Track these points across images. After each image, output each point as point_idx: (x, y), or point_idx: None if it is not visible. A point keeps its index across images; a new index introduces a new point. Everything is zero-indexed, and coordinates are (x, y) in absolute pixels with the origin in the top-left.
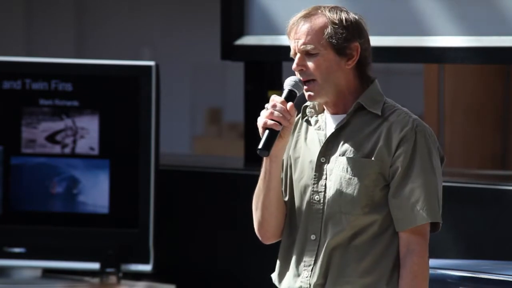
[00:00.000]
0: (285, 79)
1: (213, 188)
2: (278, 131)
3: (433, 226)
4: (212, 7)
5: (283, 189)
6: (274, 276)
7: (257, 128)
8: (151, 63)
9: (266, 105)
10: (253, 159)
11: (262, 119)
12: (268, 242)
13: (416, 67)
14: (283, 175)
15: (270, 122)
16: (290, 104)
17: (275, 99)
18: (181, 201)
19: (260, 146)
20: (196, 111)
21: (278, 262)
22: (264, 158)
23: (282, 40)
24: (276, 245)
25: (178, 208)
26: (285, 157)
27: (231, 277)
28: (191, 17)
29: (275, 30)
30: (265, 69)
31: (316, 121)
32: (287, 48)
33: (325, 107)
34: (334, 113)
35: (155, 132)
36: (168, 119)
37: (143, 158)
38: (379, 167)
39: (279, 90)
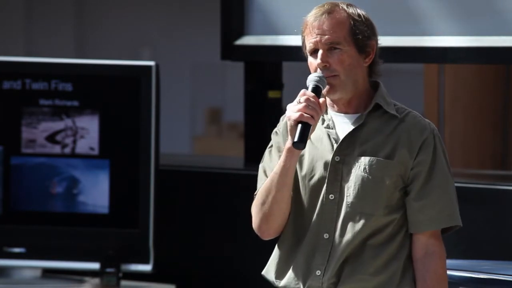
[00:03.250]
0: (285, 78)
1: (213, 188)
2: (310, 125)
3: (445, 228)
4: (212, 7)
5: None
6: (271, 273)
7: (257, 128)
8: (151, 63)
9: (298, 99)
10: (253, 159)
11: (296, 112)
12: (267, 238)
13: (416, 67)
14: None
15: (306, 115)
16: (322, 99)
17: (308, 94)
18: (181, 201)
19: (296, 139)
20: (196, 111)
21: (277, 259)
22: (286, 154)
23: (282, 40)
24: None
25: (178, 208)
26: None
27: (231, 277)
28: (191, 17)
29: (275, 30)
30: (265, 69)
31: (323, 120)
32: (287, 48)
33: (332, 106)
34: (345, 112)
35: (155, 132)
36: (168, 119)
37: (143, 158)
38: (399, 169)
39: (279, 90)
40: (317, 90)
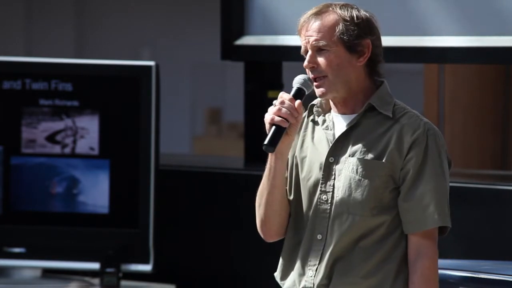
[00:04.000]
0: (285, 78)
1: (213, 188)
2: (284, 128)
3: (441, 229)
4: (212, 7)
5: (287, 188)
6: (277, 274)
7: (256, 128)
8: (151, 63)
9: (274, 102)
10: (253, 159)
11: (270, 115)
12: (270, 240)
13: (416, 67)
14: (288, 174)
15: (277, 118)
16: (298, 101)
17: (283, 96)
18: (181, 201)
19: (265, 142)
20: (196, 111)
21: (281, 261)
22: (269, 155)
23: (282, 40)
24: (277, 244)
25: (178, 208)
26: (290, 156)
27: (231, 277)
28: (191, 17)
29: (275, 30)
30: (265, 69)
31: (324, 121)
32: (287, 48)
33: (333, 107)
34: (343, 112)
35: (155, 132)
36: (168, 119)
37: (143, 158)
38: (389, 169)
39: (279, 90)
40: (299, 93)
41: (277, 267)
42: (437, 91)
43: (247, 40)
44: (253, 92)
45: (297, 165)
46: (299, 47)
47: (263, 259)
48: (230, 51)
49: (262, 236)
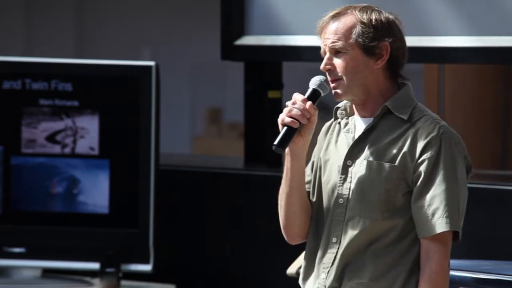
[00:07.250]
0: (285, 78)
1: (213, 188)
2: (296, 129)
3: (454, 234)
4: (212, 7)
5: (311, 190)
6: (300, 276)
7: (256, 128)
8: (151, 63)
9: (287, 102)
10: (253, 159)
11: (281, 116)
12: (293, 242)
13: (416, 67)
14: (312, 176)
15: (287, 119)
16: (309, 103)
17: (296, 97)
18: (181, 201)
19: (275, 143)
20: (196, 111)
21: (303, 263)
22: (286, 157)
23: (282, 40)
24: (277, 245)
25: (178, 208)
26: (316, 158)
27: (231, 277)
28: (191, 17)
29: (275, 30)
30: (265, 69)
31: (346, 124)
32: (287, 48)
33: (355, 110)
34: (363, 116)
35: (155, 132)
36: (168, 119)
37: (143, 158)
38: (401, 172)
39: (279, 90)
40: (314, 94)
41: (276, 267)
42: (437, 91)
43: (247, 40)
44: (253, 92)
45: (320, 167)
46: (299, 47)
47: (263, 259)
48: (230, 51)
49: (285, 238)
